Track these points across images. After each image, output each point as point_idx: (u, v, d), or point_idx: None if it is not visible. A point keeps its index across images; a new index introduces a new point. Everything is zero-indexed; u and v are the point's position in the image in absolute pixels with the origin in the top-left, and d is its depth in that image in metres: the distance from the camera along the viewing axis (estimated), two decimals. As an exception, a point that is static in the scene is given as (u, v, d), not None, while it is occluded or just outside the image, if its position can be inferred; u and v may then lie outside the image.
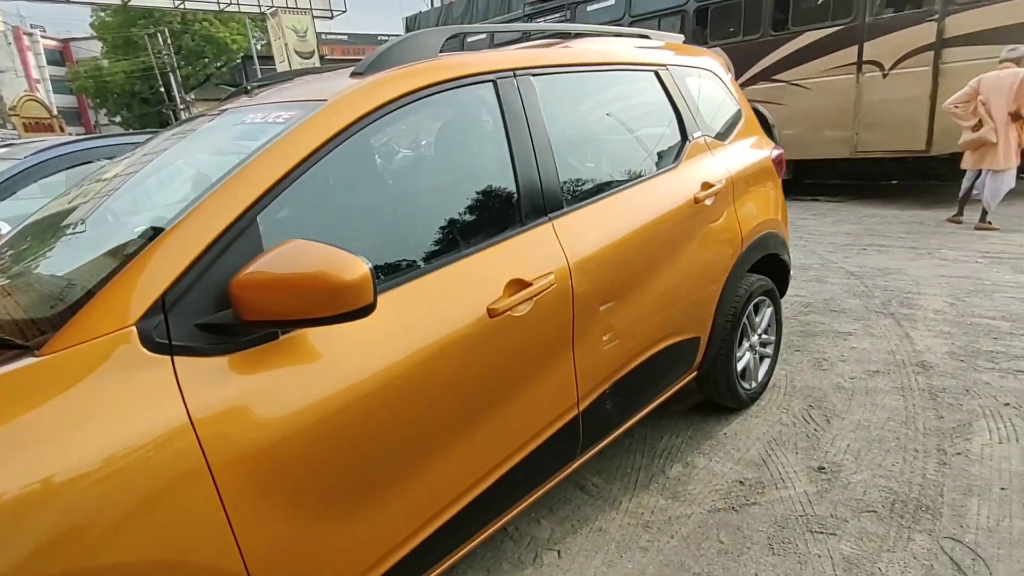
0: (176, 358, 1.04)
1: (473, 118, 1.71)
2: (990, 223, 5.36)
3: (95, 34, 36.26)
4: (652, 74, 2.26)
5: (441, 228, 1.53)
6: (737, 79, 7.59)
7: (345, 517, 1.24)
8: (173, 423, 1.00)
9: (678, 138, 2.29)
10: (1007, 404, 2.53)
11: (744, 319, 2.52)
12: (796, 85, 7.26)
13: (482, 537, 1.59)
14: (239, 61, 33.55)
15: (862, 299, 3.91)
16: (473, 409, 1.46)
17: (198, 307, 1.09)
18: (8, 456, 0.87)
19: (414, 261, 1.43)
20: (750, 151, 2.59)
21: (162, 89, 31.42)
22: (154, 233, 1.12)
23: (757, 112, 7.47)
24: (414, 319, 1.35)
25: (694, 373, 2.38)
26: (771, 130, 7.45)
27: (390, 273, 1.37)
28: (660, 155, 2.21)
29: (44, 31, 45.28)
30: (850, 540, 1.87)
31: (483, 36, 9.82)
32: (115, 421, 0.96)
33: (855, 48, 6.71)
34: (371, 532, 1.29)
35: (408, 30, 15.21)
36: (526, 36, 3.71)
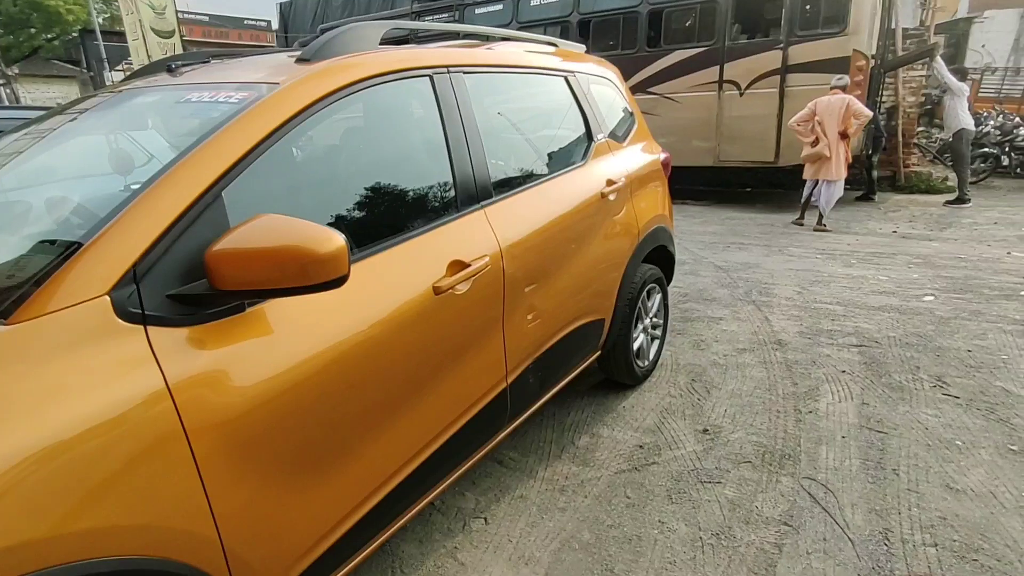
0: (149, 328, 1.06)
1: (412, 109, 1.81)
2: (825, 225, 6.29)
3: None
4: (563, 79, 2.48)
5: (387, 211, 1.62)
6: (617, 89, 8.21)
7: (309, 481, 1.30)
8: (150, 389, 1.02)
9: (585, 139, 2.52)
10: (844, 372, 3.06)
11: (639, 304, 2.82)
12: (668, 98, 7.98)
13: (426, 500, 1.69)
14: (76, 35, 29.77)
15: (729, 289, 4.46)
16: (420, 379, 1.56)
17: (168, 278, 1.10)
18: (-9, 422, 0.86)
19: (365, 240, 1.50)
20: (643, 153, 2.91)
21: (-24, 58, 27.07)
22: (120, 206, 1.11)
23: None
24: (367, 294, 1.43)
25: (599, 352, 2.64)
26: (647, 138, 8.11)
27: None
28: (571, 153, 2.43)
29: None
30: (732, 486, 2.20)
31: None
32: (94, 388, 0.97)
33: (717, 68, 7.52)
34: (332, 496, 1.36)
35: (283, 17, 14.51)
36: (414, 36, 3.81)
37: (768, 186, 8.93)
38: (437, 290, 1.57)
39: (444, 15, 9.86)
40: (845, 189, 6.52)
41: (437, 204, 1.74)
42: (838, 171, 6.14)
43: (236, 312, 1.18)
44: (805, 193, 6.56)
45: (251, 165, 1.27)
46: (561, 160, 2.36)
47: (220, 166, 1.21)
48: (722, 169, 8.06)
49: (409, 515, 1.65)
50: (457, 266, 1.65)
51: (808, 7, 6.98)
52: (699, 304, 4.15)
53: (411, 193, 1.70)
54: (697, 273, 4.89)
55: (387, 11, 11.56)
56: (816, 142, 6.12)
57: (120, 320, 1.02)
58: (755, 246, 5.74)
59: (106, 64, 25.99)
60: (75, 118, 1.72)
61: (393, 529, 1.60)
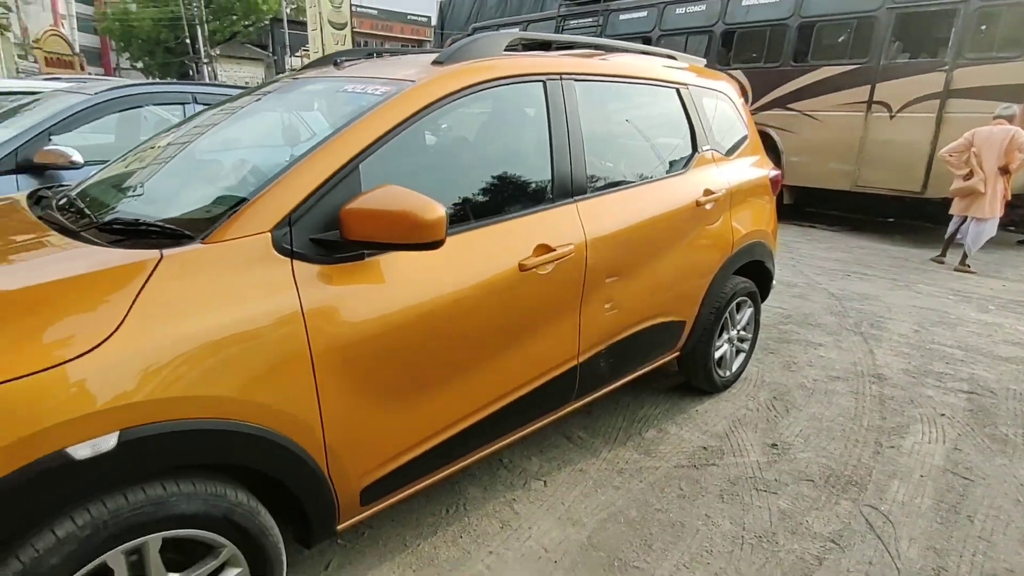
0: (295, 261, 1.40)
1: (524, 110, 2.07)
2: (968, 266, 5.75)
3: (127, -23, 36.27)
4: (674, 91, 2.62)
5: (490, 195, 1.89)
6: (754, 102, 7.98)
7: (396, 406, 1.60)
8: (290, 307, 1.36)
9: (689, 149, 2.65)
10: (943, 415, 2.91)
11: (726, 314, 2.89)
12: (808, 116, 7.62)
13: (489, 450, 1.96)
14: (267, 23, 33.72)
15: (837, 317, 4.29)
16: (499, 340, 1.82)
17: (313, 226, 1.44)
18: (189, 305, 1.24)
19: (468, 217, 1.78)
20: (750, 168, 2.96)
21: (187, 40, 31.55)
22: (284, 169, 1.48)
23: (767, 136, 7.85)
24: (462, 262, 1.71)
25: (677, 353, 2.75)
26: (779, 155, 7.81)
27: (450, 224, 1.72)
28: (672, 161, 2.57)
29: (76, -33, 45.13)
30: (788, 499, 2.25)
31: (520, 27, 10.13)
32: (252, 298, 1.32)
33: (867, 88, 7.07)
34: (413, 422, 1.66)
35: (442, 14, 15.47)
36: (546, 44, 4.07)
37: (911, 218, 8.23)
38: (522, 267, 1.82)
39: (588, 19, 10.08)
40: (1005, 230, 5.90)
41: (534, 194, 1.98)
42: (992, 209, 5.58)
43: (357, 260, 1.50)
44: (950, 229, 6.02)
45: (384, 145, 1.60)
46: (660, 166, 2.51)
47: (359, 144, 1.55)
48: (861, 195, 7.56)
49: (473, 458, 1.92)
50: (543, 249, 1.89)
51: (984, 27, 6.37)
52: (801, 328, 4.06)
53: (512, 182, 1.96)
54: (807, 298, 4.74)
55: (537, 12, 11.98)
56: (970, 175, 5.61)
57: (275, 252, 1.38)
58: (880, 278, 5.40)
59: (288, 50, 29.20)
60: (260, 98, 2.16)
61: (458, 466, 1.88)
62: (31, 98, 4.49)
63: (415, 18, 35.99)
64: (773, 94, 7.83)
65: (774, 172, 3.13)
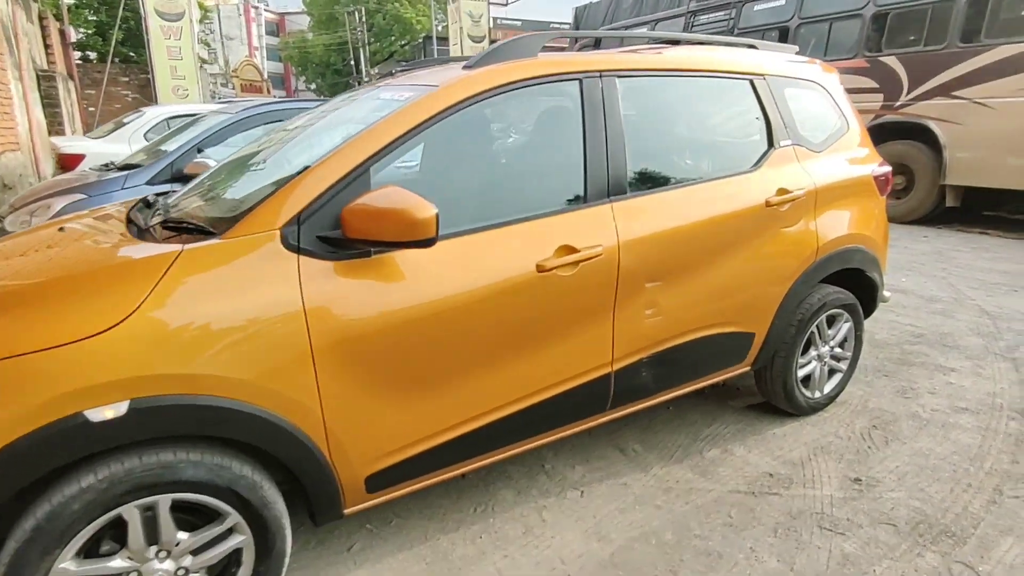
0: (301, 257, 1.51)
1: (556, 109, 2.03)
2: None
3: (305, 9, 41.07)
4: (747, 83, 2.40)
5: (513, 194, 1.89)
6: (909, 91, 7.03)
7: (402, 396, 1.66)
8: (292, 299, 1.47)
9: (764, 144, 2.41)
10: (1102, 465, 2.35)
11: (813, 328, 2.59)
12: (979, 103, 6.53)
13: (510, 452, 1.94)
14: (420, 41, 36.29)
15: (985, 339, 3.63)
16: (518, 341, 1.81)
17: (320, 224, 1.55)
18: (201, 293, 1.40)
19: (486, 216, 1.79)
20: (847, 165, 2.62)
21: (352, 62, 34.97)
22: (303, 170, 1.60)
23: (925, 129, 6.86)
24: (478, 261, 1.72)
25: (747, 368, 2.52)
26: (940, 151, 6.79)
27: (463, 222, 1.75)
28: (738, 158, 2.36)
29: (267, 5, 52.06)
30: (856, 542, 1.96)
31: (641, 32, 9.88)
32: (260, 289, 1.45)
33: (1061, 68, 5.90)
34: (419, 415, 1.70)
35: (577, 20, 15.50)
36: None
37: None
38: (540, 268, 1.79)
39: (720, 13, 9.53)
40: None
41: (562, 194, 1.94)
42: None
43: (363, 256, 1.58)
44: None
45: (397, 148, 1.66)
46: (722, 164, 2.32)
47: (371, 148, 1.63)
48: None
49: (492, 458, 1.92)
50: (566, 250, 1.84)
51: None
52: (933, 349, 3.50)
53: (538, 182, 1.94)
54: (950, 315, 4.07)
55: (672, 10, 11.59)
56: None
57: (283, 248, 1.50)
58: (1060, 296, 4.48)
59: (435, 64, 31.14)
60: (327, 111, 2.35)
61: (474, 465, 1.89)
62: (192, 119, 5.29)
63: (558, 26, 36.56)
64: (934, 81, 6.82)
65: (882, 169, 2.74)
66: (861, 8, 7.59)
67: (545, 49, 2.05)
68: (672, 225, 2.06)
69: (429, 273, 1.65)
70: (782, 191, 2.34)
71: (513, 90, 1.86)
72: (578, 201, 1.94)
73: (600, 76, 2.01)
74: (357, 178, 1.60)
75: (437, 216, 1.47)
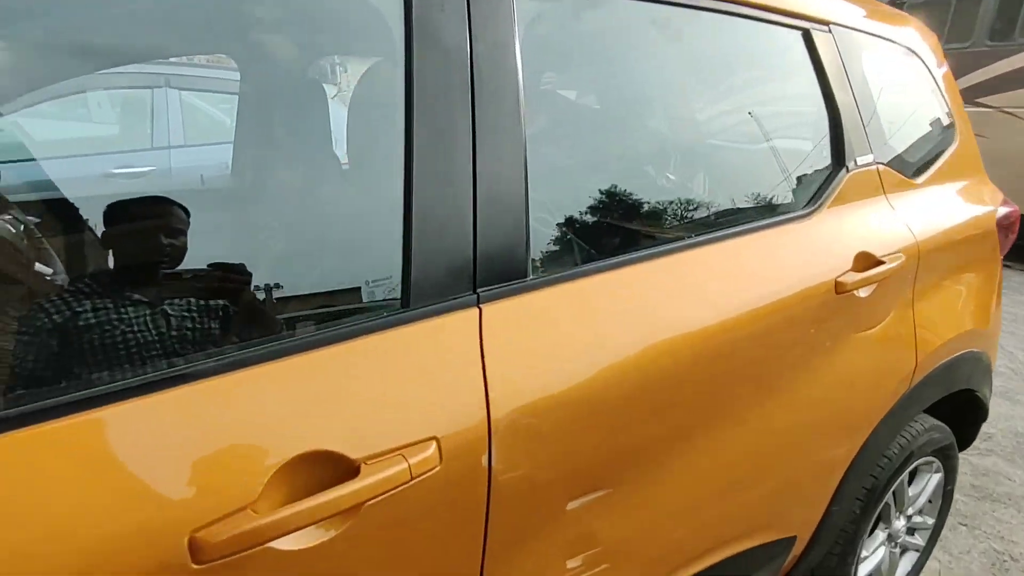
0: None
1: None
2: None
3: None
4: (799, 34, 1.20)
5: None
6: (925, 97, 6.01)
7: None
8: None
9: (826, 161, 1.21)
10: None
11: (889, 494, 1.41)
12: (1009, 113, 5.54)
13: None
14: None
15: (1081, 446, 2.53)
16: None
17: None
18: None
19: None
20: (959, 202, 1.45)
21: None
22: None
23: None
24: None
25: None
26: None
27: None
28: (779, 189, 1.16)
29: None
30: None
31: None
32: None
33: (1112, 74, 4.91)
34: None
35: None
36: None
37: None
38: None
39: None
40: None
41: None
42: None
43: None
44: None
45: None
46: (749, 204, 1.11)
47: None
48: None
49: None
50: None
51: None
52: (1012, 465, 2.37)
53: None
54: (1018, 399, 2.96)
55: None
56: None
57: None
58: None
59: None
60: None
61: None
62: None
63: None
64: (959, 85, 5.80)
65: (1005, 207, 1.58)
66: None
67: None
68: (605, 360, 0.83)
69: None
70: (864, 257, 1.14)
71: None
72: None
73: None
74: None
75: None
